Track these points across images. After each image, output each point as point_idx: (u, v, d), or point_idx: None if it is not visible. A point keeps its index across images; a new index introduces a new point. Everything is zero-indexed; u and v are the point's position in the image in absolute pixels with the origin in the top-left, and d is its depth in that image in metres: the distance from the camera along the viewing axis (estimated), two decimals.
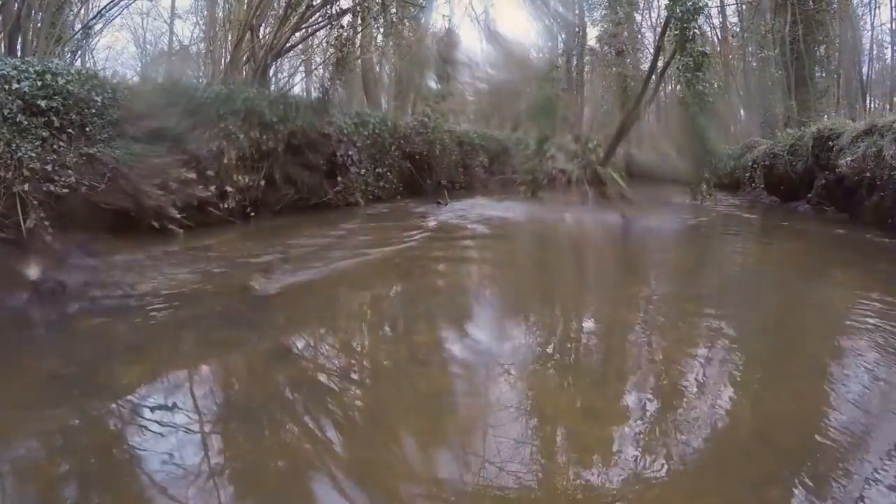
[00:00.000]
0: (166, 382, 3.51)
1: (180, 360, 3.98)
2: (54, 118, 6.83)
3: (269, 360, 3.94)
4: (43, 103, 6.69)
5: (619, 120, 21.51)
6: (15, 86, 6.46)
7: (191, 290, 5.58)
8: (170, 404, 3.16)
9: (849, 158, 10.30)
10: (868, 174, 9.81)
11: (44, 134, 6.70)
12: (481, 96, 33.10)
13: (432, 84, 20.10)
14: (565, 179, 20.58)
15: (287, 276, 6.36)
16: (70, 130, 7.08)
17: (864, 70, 23.75)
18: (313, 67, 20.87)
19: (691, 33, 12.71)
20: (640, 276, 7.63)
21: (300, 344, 4.41)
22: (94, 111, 7.44)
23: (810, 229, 10.86)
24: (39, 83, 6.72)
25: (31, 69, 6.78)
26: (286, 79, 18.01)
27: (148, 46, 22.56)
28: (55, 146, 6.86)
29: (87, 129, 7.34)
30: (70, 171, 6.93)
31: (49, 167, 6.68)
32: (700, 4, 12.79)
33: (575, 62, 24.19)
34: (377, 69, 22.76)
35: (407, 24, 21.11)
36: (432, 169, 15.75)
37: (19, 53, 9.17)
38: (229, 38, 16.41)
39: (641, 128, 28.37)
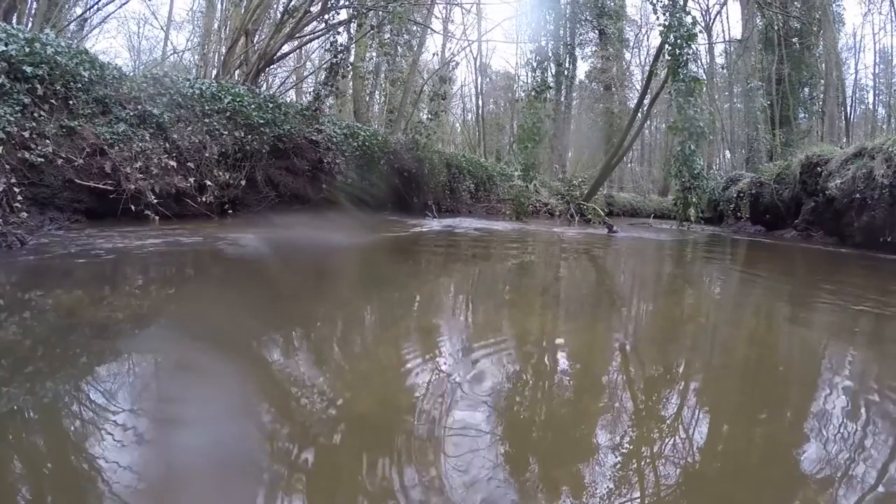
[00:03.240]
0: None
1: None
2: (38, 86, 6.76)
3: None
4: (28, 69, 6.62)
5: (605, 158, 21.99)
6: (2, 48, 6.39)
7: (158, 251, 5.54)
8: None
9: (838, 181, 10.50)
10: (858, 195, 9.98)
11: (25, 100, 6.62)
12: (469, 127, 33.90)
13: (423, 115, 20.48)
14: (547, 211, 20.85)
15: None
16: (53, 101, 7.02)
17: (847, 111, 24.65)
18: (305, 75, 21.02)
19: (684, 59, 13.14)
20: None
21: None
22: (79, 85, 7.39)
23: (797, 247, 11.03)
24: (27, 49, 6.67)
25: (20, 34, 6.74)
26: (278, 87, 18.00)
27: (143, 55, 22.67)
28: (36, 114, 6.78)
29: (71, 102, 7.28)
30: (48, 142, 6.83)
31: (27, 134, 6.57)
32: (694, 31, 13.29)
33: (564, 94, 24.84)
34: (368, 97, 23.06)
35: (400, 49, 21.54)
36: (420, 188, 15.79)
37: None
38: (222, 48, 16.51)
39: (624, 171, 29.06)
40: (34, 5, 10.01)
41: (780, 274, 7.62)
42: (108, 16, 14.75)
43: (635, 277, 7.05)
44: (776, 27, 20.80)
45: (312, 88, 14.78)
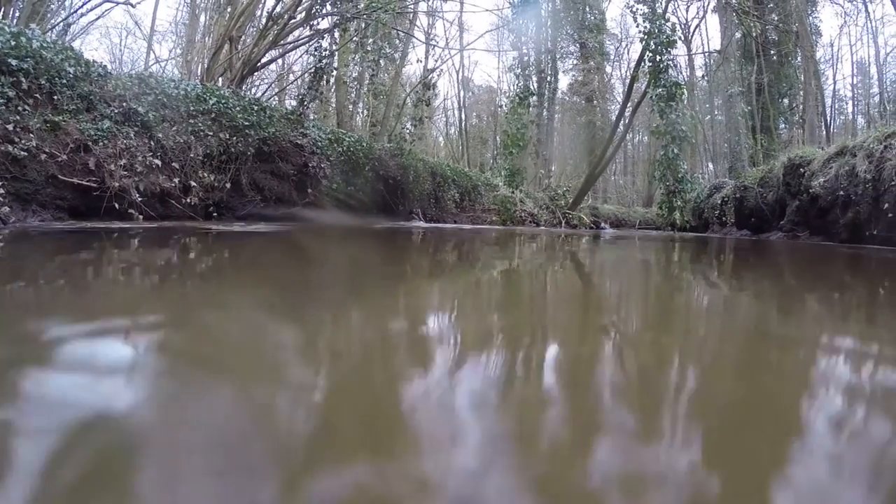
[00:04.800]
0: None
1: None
2: (23, 79, 6.73)
3: None
4: (13, 62, 6.59)
5: (588, 168, 22.28)
6: None
7: (145, 231, 5.51)
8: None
9: (822, 180, 10.68)
10: (842, 192, 10.18)
11: (10, 93, 6.57)
12: (452, 141, 34.16)
13: (407, 125, 20.59)
14: (532, 220, 21.00)
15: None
16: (37, 95, 6.98)
17: (827, 121, 25.22)
18: (285, 85, 21.06)
19: (664, 65, 13.45)
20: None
21: None
22: (64, 81, 7.36)
23: (783, 242, 11.14)
24: (13, 43, 6.65)
25: (6, 28, 6.72)
26: (261, 95, 18.02)
27: (125, 67, 22.64)
28: (20, 108, 6.73)
29: (55, 97, 7.24)
30: (32, 136, 6.77)
31: (10, 127, 6.51)
32: (673, 38, 13.64)
33: (546, 105, 25.14)
34: (351, 106, 23.17)
35: (383, 63, 21.69)
36: (405, 195, 15.81)
37: None
38: (206, 59, 16.53)
39: (608, 182, 29.35)
40: (17, 13, 9.99)
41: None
42: (90, 23, 14.70)
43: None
44: (754, 34, 21.28)
45: (296, 96, 14.80)
